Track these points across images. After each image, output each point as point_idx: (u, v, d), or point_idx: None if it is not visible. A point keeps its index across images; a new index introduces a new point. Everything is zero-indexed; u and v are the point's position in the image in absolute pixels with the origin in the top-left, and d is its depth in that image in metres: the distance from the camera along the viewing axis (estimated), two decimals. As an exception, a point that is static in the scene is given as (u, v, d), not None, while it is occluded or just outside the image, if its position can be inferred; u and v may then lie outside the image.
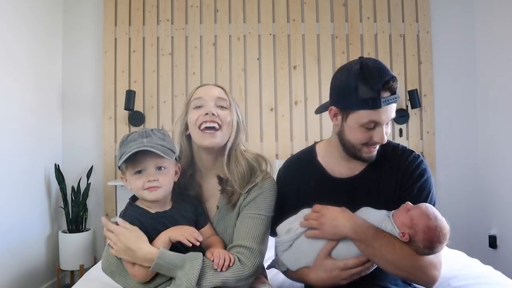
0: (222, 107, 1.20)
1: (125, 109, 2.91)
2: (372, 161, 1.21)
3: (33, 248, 2.67)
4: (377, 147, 1.19)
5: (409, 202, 1.11)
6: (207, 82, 3.05)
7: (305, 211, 1.19)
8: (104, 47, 3.06)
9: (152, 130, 1.13)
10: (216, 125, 1.17)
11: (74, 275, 2.86)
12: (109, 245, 1.11)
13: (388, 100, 1.09)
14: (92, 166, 2.98)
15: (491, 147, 2.91)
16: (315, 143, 1.38)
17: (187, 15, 3.11)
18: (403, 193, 1.19)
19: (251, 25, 3.10)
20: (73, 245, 2.75)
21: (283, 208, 1.25)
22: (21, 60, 2.57)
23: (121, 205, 2.96)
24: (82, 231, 2.82)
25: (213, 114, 1.16)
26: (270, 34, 3.10)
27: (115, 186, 2.99)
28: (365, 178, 1.23)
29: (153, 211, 1.12)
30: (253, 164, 1.24)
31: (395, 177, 1.20)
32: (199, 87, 1.26)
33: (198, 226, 1.17)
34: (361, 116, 1.11)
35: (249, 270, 1.10)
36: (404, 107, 3.05)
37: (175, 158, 1.15)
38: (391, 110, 1.12)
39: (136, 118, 3.00)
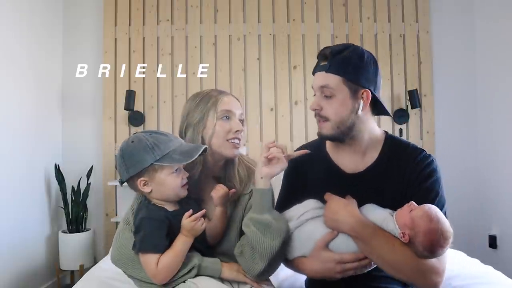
0: (242, 121, 1.28)
1: (125, 109, 2.91)
2: (380, 158, 1.20)
3: (33, 248, 2.67)
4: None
5: (413, 202, 1.07)
6: (208, 85, 3.07)
7: (311, 202, 1.19)
8: (104, 47, 3.06)
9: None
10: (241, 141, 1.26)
11: (74, 275, 2.86)
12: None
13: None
14: (92, 166, 2.97)
15: (491, 147, 2.91)
16: None
17: (187, 15, 3.10)
18: (410, 192, 1.15)
19: (251, 25, 3.10)
20: (73, 245, 2.74)
21: (288, 189, 1.30)
22: (21, 60, 2.57)
23: (121, 205, 2.96)
24: (82, 231, 2.82)
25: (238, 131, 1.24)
26: (270, 34, 3.10)
27: (115, 186, 2.98)
28: (371, 174, 1.20)
29: (170, 209, 1.16)
30: (251, 167, 1.31)
31: (403, 176, 1.17)
32: (221, 94, 1.27)
33: None
34: None
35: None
36: (404, 107, 3.05)
37: None
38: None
39: (136, 118, 3.00)
